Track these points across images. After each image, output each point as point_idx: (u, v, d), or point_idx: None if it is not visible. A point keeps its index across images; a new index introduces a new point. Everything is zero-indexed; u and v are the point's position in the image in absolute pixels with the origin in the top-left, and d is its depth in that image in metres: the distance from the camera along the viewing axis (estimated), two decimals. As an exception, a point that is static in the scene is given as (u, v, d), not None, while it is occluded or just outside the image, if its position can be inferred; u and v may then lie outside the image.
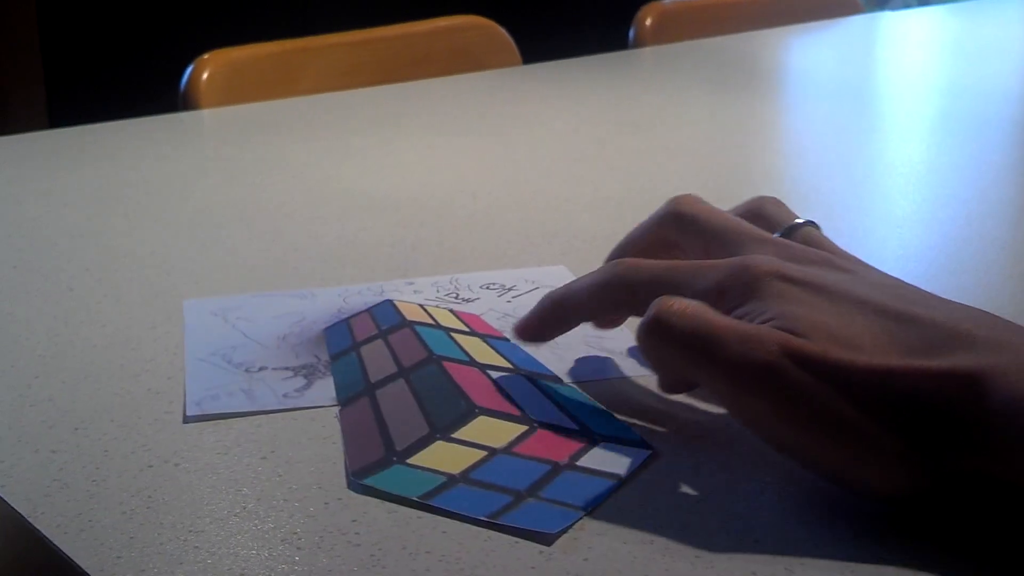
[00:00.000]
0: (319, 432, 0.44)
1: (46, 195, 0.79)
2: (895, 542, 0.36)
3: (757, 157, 0.89)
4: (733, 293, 0.40)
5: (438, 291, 0.59)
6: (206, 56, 1.21)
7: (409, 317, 0.54)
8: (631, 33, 1.54)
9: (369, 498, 0.39)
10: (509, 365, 0.49)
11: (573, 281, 0.47)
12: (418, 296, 0.58)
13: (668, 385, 0.42)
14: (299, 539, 0.37)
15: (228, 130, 1.02)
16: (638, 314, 0.41)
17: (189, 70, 1.19)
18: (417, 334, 0.52)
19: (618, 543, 0.37)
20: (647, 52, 1.45)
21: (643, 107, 1.08)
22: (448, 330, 0.53)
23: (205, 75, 1.19)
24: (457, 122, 1.01)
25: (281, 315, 0.56)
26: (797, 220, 0.47)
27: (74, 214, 0.74)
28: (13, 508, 0.39)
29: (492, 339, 0.52)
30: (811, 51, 1.44)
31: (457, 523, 0.38)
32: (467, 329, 0.53)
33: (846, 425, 0.36)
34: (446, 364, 0.48)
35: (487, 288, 0.59)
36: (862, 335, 0.37)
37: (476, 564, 0.36)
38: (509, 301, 0.57)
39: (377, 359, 0.50)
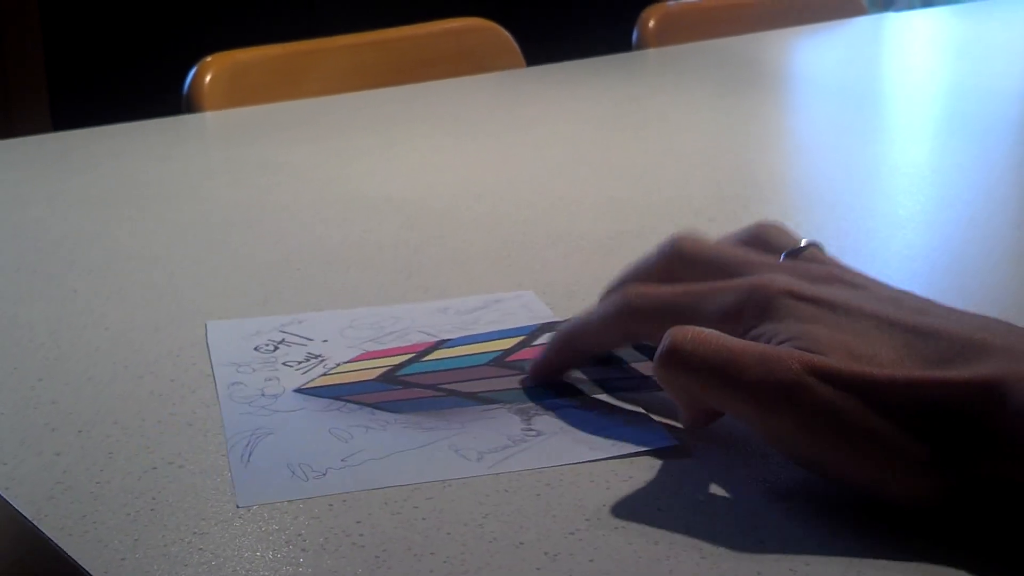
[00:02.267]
0: (323, 434, 0.44)
1: (50, 198, 0.79)
2: (900, 543, 0.36)
3: (762, 158, 0.89)
4: (747, 314, 0.40)
5: (300, 361, 0.51)
6: (209, 58, 1.21)
7: (360, 379, 0.49)
8: (634, 35, 1.54)
9: (373, 500, 0.39)
10: (519, 339, 0.52)
11: (581, 314, 0.47)
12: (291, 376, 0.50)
13: (691, 419, 0.41)
14: (304, 540, 0.37)
15: (232, 132, 1.02)
16: (651, 340, 0.42)
17: (192, 72, 1.19)
18: (417, 370, 0.50)
19: (623, 544, 0.36)
20: (651, 54, 1.45)
21: (647, 109, 1.08)
22: (413, 360, 0.51)
23: (208, 77, 1.19)
24: (461, 124, 1.01)
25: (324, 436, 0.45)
26: (800, 244, 0.47)
27: (78, 217, 0.74)
28: (17, 510, 0.39)
29: (450, 342, 0.52)
30: (815, 52, 1.44)
31: (461, 525, 0.38)
32: (412, 354, 0.51)
33: (871, 437, 0.36)
34: (508, 359, 0.50)
35: (307, 340, 0.54)
36: (879, 350, 0.38)
37: (481, 566, 0.35)
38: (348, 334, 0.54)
39: (482, 387, 0.48)
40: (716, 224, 0.70)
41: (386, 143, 0.93)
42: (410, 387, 0.48)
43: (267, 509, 0.39)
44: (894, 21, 1.76)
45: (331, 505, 0.39)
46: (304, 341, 0.53)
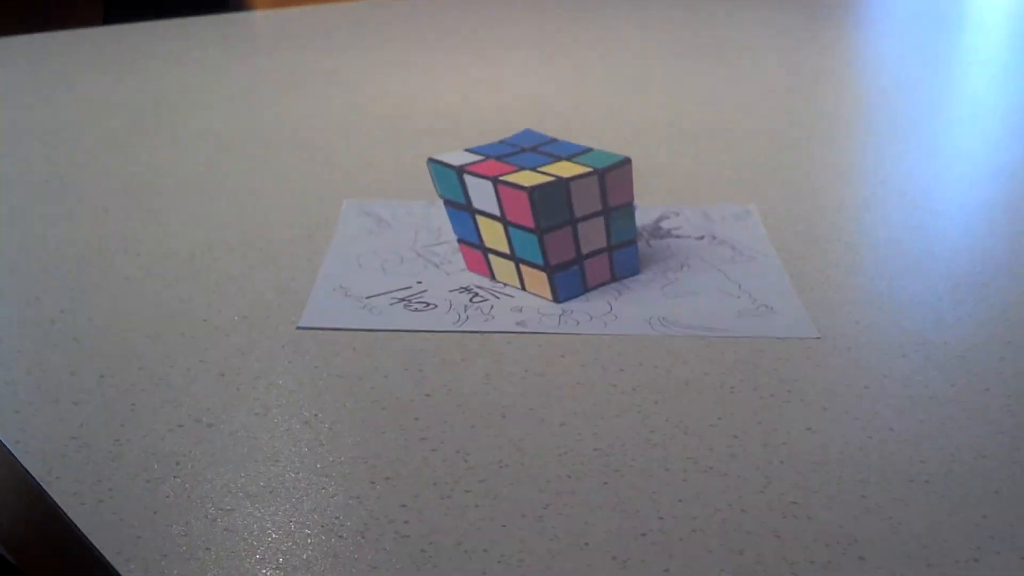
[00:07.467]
0: (368, 395, 0.40)
1: (87, 100, 0.74)
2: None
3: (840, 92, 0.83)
4: None
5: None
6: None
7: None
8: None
9: (421, 480, 0.35)
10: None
11: None
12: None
13: None
14: (341, 526, 0.33)
15: (281, 36, 0.97)
16: None
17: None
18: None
19: (703, 551, 0.32)
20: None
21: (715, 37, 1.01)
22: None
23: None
24: (522, 40, 0.95)
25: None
26: None
27: (115, 124, 0.70)
28: (27, 471, 0.35)
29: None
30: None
31: (519, 518, 0.33)
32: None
33: None
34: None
35: None
36: None
37: (541, 568, 0.31)
38: None
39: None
40: (796, 151, 0.65)
41: (445, 53, 0.88)
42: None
43: (303, 483, 0.35)
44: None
45: (374, 483, 0.35)
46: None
